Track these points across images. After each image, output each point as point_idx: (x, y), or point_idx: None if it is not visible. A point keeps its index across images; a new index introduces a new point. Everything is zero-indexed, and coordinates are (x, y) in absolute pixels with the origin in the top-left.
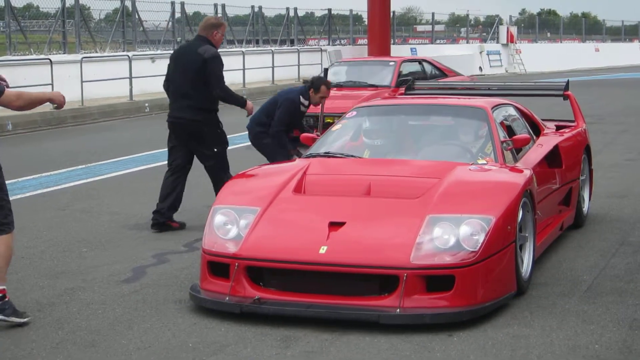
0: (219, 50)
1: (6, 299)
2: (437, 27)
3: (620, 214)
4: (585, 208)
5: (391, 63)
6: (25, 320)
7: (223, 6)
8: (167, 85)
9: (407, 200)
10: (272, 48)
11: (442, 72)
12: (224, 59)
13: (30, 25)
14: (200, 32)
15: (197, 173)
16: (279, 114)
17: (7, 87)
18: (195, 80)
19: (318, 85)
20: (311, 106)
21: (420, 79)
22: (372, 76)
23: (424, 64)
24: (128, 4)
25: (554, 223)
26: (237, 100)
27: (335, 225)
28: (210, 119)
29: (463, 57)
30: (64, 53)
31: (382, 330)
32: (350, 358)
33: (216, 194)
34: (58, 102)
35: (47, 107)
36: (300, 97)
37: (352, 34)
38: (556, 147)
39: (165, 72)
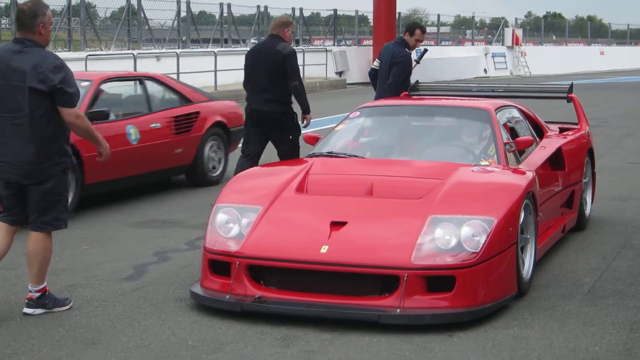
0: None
1: (47, 294)
2: (443, 29)
3: (622, 217)
4: (587, 211)
5: (85, 83)
6: (68, 306)
7: (229, 5)
8: (246, 82)
9: (409, 200)
10: None
11: (180, 95)
12: (230, 58)
13: None
14: (272, 31)
15: None
16: (399, 70)
17: None
18: (275, 75)
19: (413, 29)
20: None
21: (134, 110)
22: None
23: (147, 83)
24: (134, 2)
25: (556, 225)
26: (304, 103)
27: (336, 224)
28: (287, 110)
29: (468, 59)
30: (69, 51)
31: (382, 330)
32: (350, 358)
33: None
34: (102, 153)
35: None
36: (406, 49)
37: (358, 35)
38: (559, 150)
39: (173, 70)
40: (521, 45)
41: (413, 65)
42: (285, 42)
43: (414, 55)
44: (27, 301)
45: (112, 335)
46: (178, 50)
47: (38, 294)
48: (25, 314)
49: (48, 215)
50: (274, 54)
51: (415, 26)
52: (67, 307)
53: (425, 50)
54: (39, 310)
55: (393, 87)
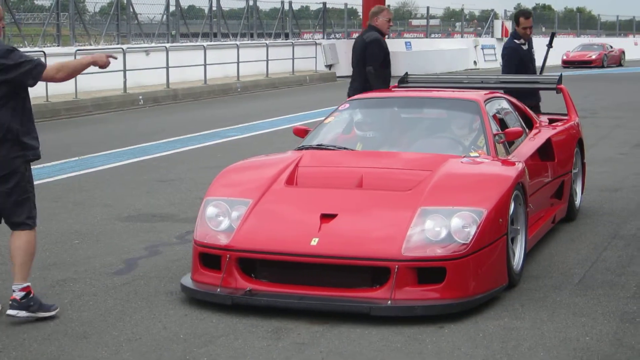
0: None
1: (31, 296)
2: (432, 22)
3: (612, 207)
4: (577, 201)
5: None
6: (53, 312)
7: None
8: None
9: (399, 192)
10: (267, 42)
11: None
12: (219, 52)
13: (24, 17)
14: (368, 22)
15: (188, 166)
16: (505, 64)
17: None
18: (359, 63)
19: (517, 18)
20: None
21: None
22: None
23: None
24: None
25: (546, 216)
26: (376, 88)
27: (327, 217)
28: None
29: (458, 51)
30: (58, 46)
31: (373, 322)
32: (341, 350)
33: None
34: (102, 65)
35: (41, 98)
36: (514, 40)
37: (347, 28)
38: (549, 141)
39: (162, 64)
40: None
41: (547, 50)
42: (375, 30)
43: (540, 43)
44: (10, 302)
45: (103, 330)
46: (167, 45)
47: (22, 294)
48: (9, 315)
49: (19, 216)
50: (360, 43)
51: (518, 15)
52: (53, 313)
53: (554, 34)
54: (22, 313)
55: None
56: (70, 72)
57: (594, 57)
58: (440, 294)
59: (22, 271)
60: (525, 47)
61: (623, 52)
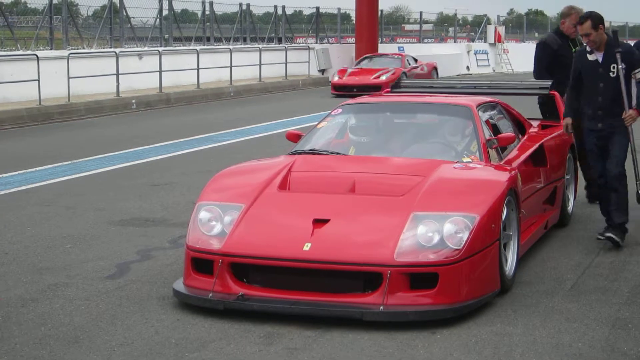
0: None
1: None
2: (425, 27)
3: None
4: (570, 207)
5: None
6: None
7: (211, 3)
8: None
9: (392, 197)
10: (260, 46)
11: None
12: (212, 56)
13: (17, 21)
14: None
15: (181, 170)
16: None
17: None
18: None
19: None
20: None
21: None
22: None
23: None
24: (116, 0)
25: (538, 222)
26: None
27: (319, 222)
28: (542, 101)
29: (451, 56)
30: (51, 49)
31: (365, 328)
32: (334, 355)
33: None
34: None
35: (34, 102)
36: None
37: (340, 33)
38: (541, 146)
39: (151, 69)
40: (503, 43)
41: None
42: (554, 32)
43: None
44: None
45: (94, 334)
46: (160, 49)
47: None
48: None
49: None
50: None
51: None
52: None
53: (615, 32)
54: None
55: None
56: None
57: (384, 78)
58: (433, 299)
59: None
60: (592, 57)
61: (435, 68)
